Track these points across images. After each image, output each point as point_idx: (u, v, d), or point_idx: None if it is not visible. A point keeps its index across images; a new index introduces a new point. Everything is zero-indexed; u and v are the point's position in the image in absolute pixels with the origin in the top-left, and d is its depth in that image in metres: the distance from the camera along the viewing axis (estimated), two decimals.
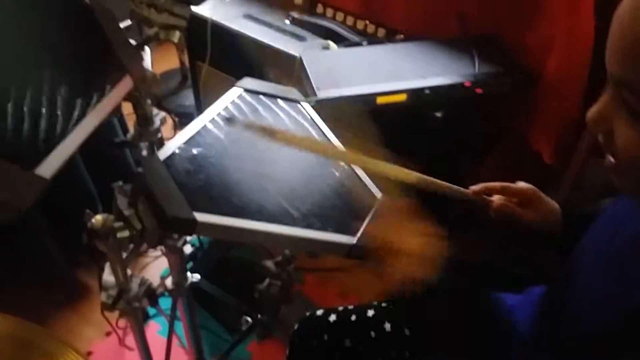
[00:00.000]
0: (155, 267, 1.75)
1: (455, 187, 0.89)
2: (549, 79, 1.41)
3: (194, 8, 1.28)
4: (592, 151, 1.42)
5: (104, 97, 0.66)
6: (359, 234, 0.88)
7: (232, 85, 1.51)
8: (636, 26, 0.45)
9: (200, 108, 1.79)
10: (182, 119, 2.20)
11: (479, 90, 1.34)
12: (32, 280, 1.69)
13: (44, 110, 0.62)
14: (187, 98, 2.23)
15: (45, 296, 1.68)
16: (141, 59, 0.78)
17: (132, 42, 0.79)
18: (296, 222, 0.85)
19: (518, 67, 1.38)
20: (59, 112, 0.64)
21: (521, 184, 0.90)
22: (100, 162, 1.21)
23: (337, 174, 0.96)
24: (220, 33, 1.51)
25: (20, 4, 0.71)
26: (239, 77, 1.57)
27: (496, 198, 0.90)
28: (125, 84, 0.71)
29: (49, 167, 0.55)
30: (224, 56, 1.57)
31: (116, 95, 0.68)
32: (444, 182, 0.88)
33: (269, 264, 1.36)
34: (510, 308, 0.93)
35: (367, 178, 0.97)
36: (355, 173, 0.98)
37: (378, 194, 0.96)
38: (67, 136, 0.59)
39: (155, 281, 1.71)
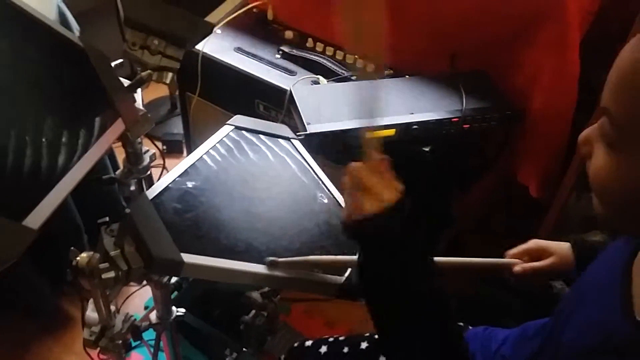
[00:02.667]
0: (139, 297, 1.73)
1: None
2: (535, 115, 1.43)
3: None
4: (576, 185, 1.44)
5: (95, 142, 0.66)
6: (346, 273, 0.88)
7: (222, 117, 1.51)
8: (632, 67, 0.49)
9: (189, 138, 1.79)
10: (170, 147, 2.22)
11: (466, 126, 1.36)
12: (16, 308, 1.67)
13: (33, 155, 0.62)
14: (176, 126, 2.23)
15: (28, 325, 1.66)
16: (133, 101, 0.78)
17: (124, 82, 0.79)
18: None
19: (505, 103, 1.41)
20: (49, 157, 0.64)
21: (526, 244, 0.96)
22: (88, 196, 1.20)
23: (326, 213, 0.96)
24: (211, 65, 1.52)
25: (6, 45, 0.72)
26: (229, 109, 1.59)
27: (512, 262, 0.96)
28: (117, 127, 0.71)
29: (37, 217, 0.54)
30: (214, 88, 1.58)
31: (107, 138, 0.68)
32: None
33: (255, 294, 1.34)
34: (503, 341, 0.93)
35: None
36: None
37: None
38: (57, 184, 0.59)
39: (139, 310, 1.69)
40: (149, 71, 0.75)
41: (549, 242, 0.95)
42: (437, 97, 1.40)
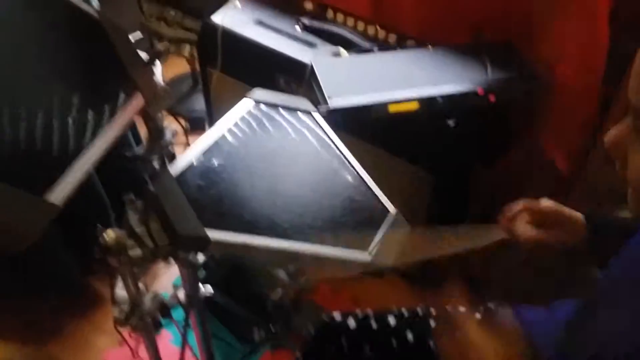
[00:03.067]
0: (168, 275, 1.75)
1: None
2: (563, 86, 1.39)
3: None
4: (606, 158, 1.41)
5: (114, 117, 0.65)
6: (373, 251, 0.87)
7: (244, 92, 1.50)
8: None
9: (211, 114, 1.78)
10: (193, 124, 2.22)
11: (491, 97, 1.33)
12: (46, 289, 1.69)
13: (55, 129, 0.62)
14: (198, 103, 2.22)
15: (59, 305, 1.68)
16: (152, 74, 0.77)
17: (143, 55, 0.78)
18: (308, 238, 0.84)
19: (531, 73, 1.37)
20: (70, 131, 0.64)
21: (543, 202, 0.88)
22: (113, 173, 1.21)
23: (349, 189, 0.95)
24: (231, 40, 1.50)
25: (28, 20, 0.71)
26: (250, 83, 1.57)
27: (520, 226, 0.87)
28: (137, 101, 0.70)
29: (60, 192, 0.54)
30: (235, 62, 1.56)
31: (128, 113, 0.68)
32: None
33: (281, 273, 1.35)
34: (530, 323, 0.91)
35: (382, 194, 0.96)
36: (369, 188, 0.97)
37: (391, 208, 0.95)
38: (79, 158, 0.59)
39: (167, 289, 1.71)
40: (166, 43, 0.74)
41: (559, 206, 0.87)
42: (462, 68, 1.37)
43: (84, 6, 0.76)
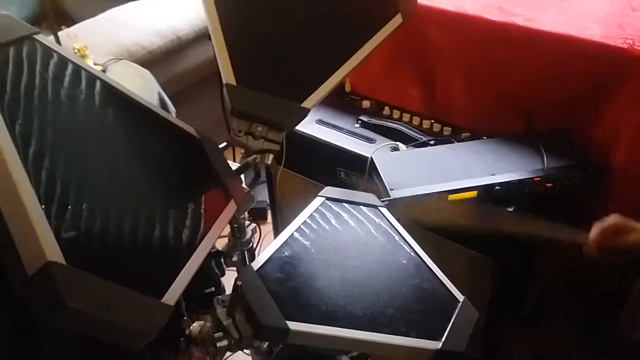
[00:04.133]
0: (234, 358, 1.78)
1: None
2: (618, 172, 1.42)
3: None
4: None
5: (215, 222, 0.74)
6: (442, 339, 0.90)
7: (306, 185, 1.59)
8: None
9: (274, 206, 1.88)
10: (255, 214, 2.33)
11: (549, 185, 1.37)
12: None
13: (164, 237, 0.70)
14: (260, 193, 2.35)
15: None
16: (241, 182, 0.87)
17: (232, 165, 0.89)
18: (381, 327, 0.88)
19: (587, 160, 1.40)
20: (183, 237, 0.72)
21: (612, 219, 0.93)
22: None
23: (417, 278, 1.00)
24: (295, 138, 1.62)
25: (142, 138, 0.83)
26: (312, 177, 1.68)
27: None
28: (231, 207, 0.79)
29: (173, 294, 0.62)
30: (297, 158, 1.67)
31: (224, 218, 0.77)
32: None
33: (345, 358, 1.38)
34: None
35: (449, 282, 1.00)
36: (436, 276, 1.01)
37: (460, 297, 0.99)
38: (187, 263, 0.67)
39: None
40: (254, 156, 0.84)
41: (618, 219, 0.91)
42: (517, 156, 1.42)
43: (185, 125, 0.88)
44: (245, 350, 1.16)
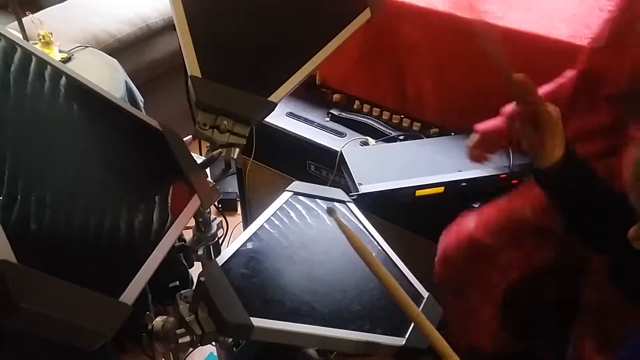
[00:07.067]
0: (200, 352, 1.77)
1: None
2: None
3: None
4: None
5: (177, 218, 0.72)
6: (406, 335, 0.91)
7: (275, 177, 1.57)
8: None
9: (244, 198, 1.87)
10: (225, 205, 2.31)
11: (514, 182, 1.39)
12: None
13: (121, 234, 0.68)
14: (230, 185, 2.33)
15: None
16: (206, 177, 0.86)
17: (197, 159, 0.87)
18: (346, 324, 0.89)
19: None
20: (134, 235, 0.70)
21: (550, 108, 0.89)
22: None
23: None
24: (264, 130, 1.61)
25: (99, 132, 0.80)
26: (281, 170, 1.67)
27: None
28: (194, 202, 0.78)
29: (131, 293, 0.60)
30: (268, 151, 1.66)
31: (187, 213, 0.75)
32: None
33: (312, 351, 1.38)
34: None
35: (414, 278, 1.01)
36: (402, 273, 1.02)
37: (424, 293, 0.99)
38: (147, 261, 0.65)
39: None
40: (219, 150, 0.83)
41: (557, 114, 0.88)
42: None
43: (147, 118, 0.86)
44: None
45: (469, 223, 1.25)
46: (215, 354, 1.27)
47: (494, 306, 1.26)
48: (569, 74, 1.19)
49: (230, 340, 1.11)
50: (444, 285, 1.29)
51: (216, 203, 2.10)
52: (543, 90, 1.22)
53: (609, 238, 0.86)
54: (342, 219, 0.75)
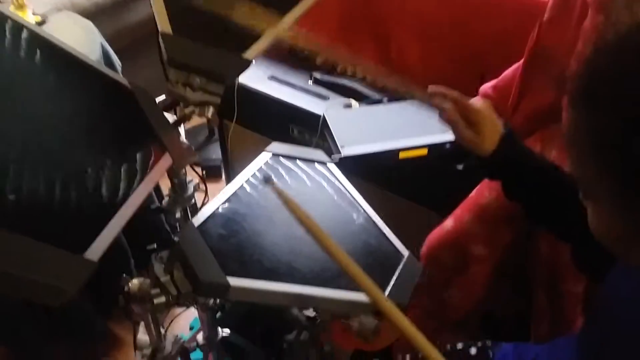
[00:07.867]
0: (185, 318, 1.78)
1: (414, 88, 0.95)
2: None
3: None
4: None
5: (145, 176, 0.71)
6: (387, 292, 0.90)
7: (259, 142, 1.55)
8: None
9: (227, 163, 1.85)
10: (209, 172, 2.29)
11: None
12: (67, 334, 1.73)
13: (90, 189, 0.67)
14: (214, 151, 2.31)
15: (80, 350, 1.72)
16: (179, 135, 0.84)
17: (169, 117, 0.85)
18: (325, 282, 0.88)
19: None
20: (104, 191, 0.69)
21: (476, 102, 0.92)
22: (134, 223, 1.26)
23: (364, 234, 1.00)
24: (247, 94, 1.59)
25: (65, 88, 0.78)
26: (265, 134, 1.65)
27: (450, 107, 0.90)
28: (165, 161, 0.76)
29: (96, 249, 0.59)
30: (250, 115, 1.64)
31: (157, 172, 0.73)
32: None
33: (297, 313, 1.38)
34: (536, 357, 0.92)
35: (394, 237, 1.00)
36: (382, 232, 1.01)
37: (404, 252, 0.99)
38: (113, 217, 0.64)
39: (184, 331, 1.73)
40: (191, 107, 0.80)
41: (498, 122, 0.89)
42: None
43: (117, 76, 0.83)
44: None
45: (447, 224, 1.30)
46: None
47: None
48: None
49: (212, 302, 1.11)
50: (432, 280, 1.33)
51: (200, 170, 2.10)
52: (505, 75, 1.25)
53: (564, 222, 0.87)
54: (283, 189, 0.74)
